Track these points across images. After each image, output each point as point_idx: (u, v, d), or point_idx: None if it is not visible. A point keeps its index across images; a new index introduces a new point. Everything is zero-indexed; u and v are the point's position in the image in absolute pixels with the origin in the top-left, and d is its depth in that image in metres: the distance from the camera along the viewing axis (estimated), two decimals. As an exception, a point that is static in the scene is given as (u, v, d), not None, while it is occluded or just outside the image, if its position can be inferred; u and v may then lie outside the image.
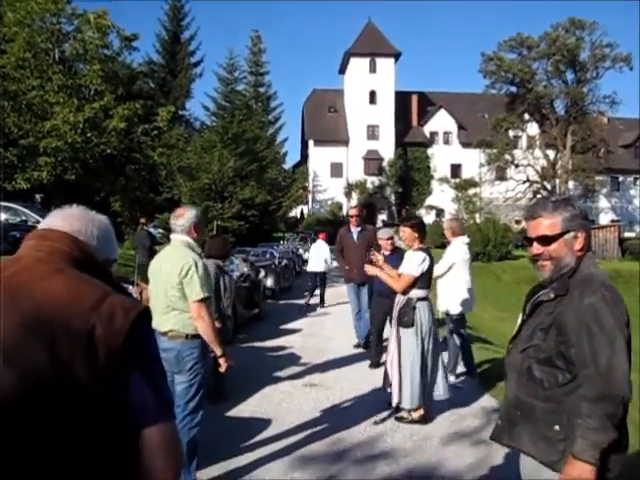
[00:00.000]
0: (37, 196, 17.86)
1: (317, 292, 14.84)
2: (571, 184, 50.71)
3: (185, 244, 3.93)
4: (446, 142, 56.80)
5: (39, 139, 15.14)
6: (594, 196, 52.93)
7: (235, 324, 9.08)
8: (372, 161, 54.35)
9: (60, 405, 1.19)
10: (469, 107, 55.94)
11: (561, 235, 2.21)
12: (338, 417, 5.68)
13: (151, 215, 14.67)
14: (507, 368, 2.38)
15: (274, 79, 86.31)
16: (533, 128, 52.11)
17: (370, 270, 5.68)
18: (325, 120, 56.67)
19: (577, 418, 2.03)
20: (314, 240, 24.84)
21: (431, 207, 54.20)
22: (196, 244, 3.99)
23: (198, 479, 4.00)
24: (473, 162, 54.04)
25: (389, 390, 5.56)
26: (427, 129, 56.72)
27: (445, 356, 7.41)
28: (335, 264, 11.62)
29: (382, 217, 51.38)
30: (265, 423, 5.46)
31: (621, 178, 57.80)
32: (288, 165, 54.22)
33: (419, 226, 5.53)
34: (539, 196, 40.09)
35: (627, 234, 43.28)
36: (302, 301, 15.07)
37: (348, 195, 53.51)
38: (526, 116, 51.74)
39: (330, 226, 31.26)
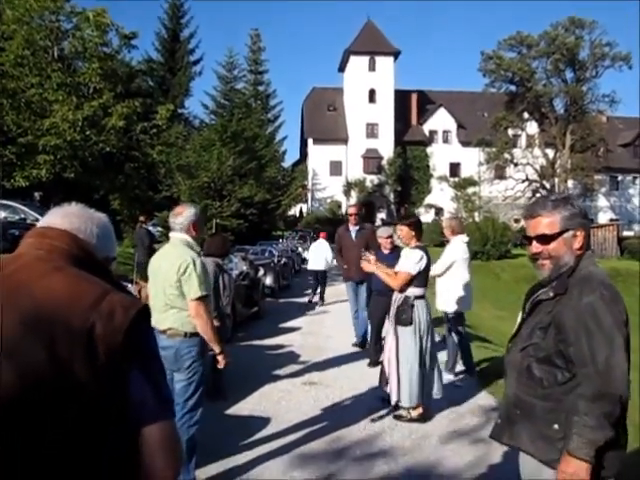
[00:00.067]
0: (36, 194, 17.85)
1: (318, 290, 14.93)
2: (570, 183, 50.69)
3: (184, 242, 3.93)
4: (445, 141, 56.79)
5: (38, 137, 15.13)
6: (593, 195, 52.95)
7: (234, 322, 9.09)
8: (371, 160, 54.32)
9: (60, 403, 1.18)
10: (468, 106, 55.91)
11: (560, 234, 2.22)
12: (337, 415, 5.69)
13: (150, 213, 14.61)
14: (507, 367, 2.38)
15: (273, 77, 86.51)
16: (532, 127, 52.09)
17: (366, 267, 5.68)
18: (324, 118, 56.63)
19: (574, 416, 2.04)
20: (314, 239, 24.91)
21: (430, 206, 54.18)
22: (195, 242, 3.99)
23: (197, 477, 4.00)
24: (472, 161, 54.03)
25: (386, 389, 5.58)
26: (426, 128, 56.69)
27: (444, 355, 7.45)
28: (335, 263, 11.73)
29: (381, 216, 51.37)
30: (264, 421, 5.46)
31: (620, 177, 57.82)
32: (287, 163, 54.35)
33: (416, 224, 5.56)
34: (538, 195, 40.14)
35: (626, 233, 43.23)
36: (301, 299, 15.11)
37: (347, 193, 53.49)
38: (525, 115, 51.72)
39: (329, 224, 31.29)
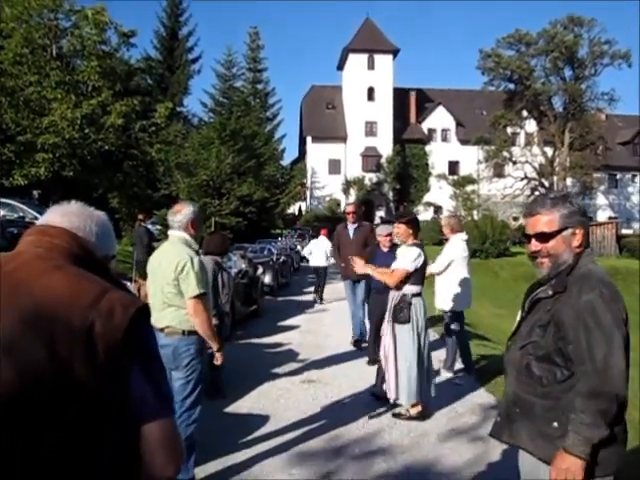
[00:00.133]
0: (35, 192, 17.84)
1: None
2: (569, 181, 50.69)
3: (182, 240, 3.93)
4: (444, 139, 56.74)
5: (37, 135, 15.13)
6: (592, 193, 52.92)
7: (233, 321, 9.09)
8: (370, 158, 54.28)
9: (59, 402, 1.18)
10: (467, 104, 55.89)
11: (559, 232, 2.21)
12: (336, 413, 5.69)
13: (149, 211, 14.64)
14: (506, 365, 2.39)
15: (272, 75, 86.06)
16: (531, 125, 52.08)
17: (359, 270, 5.72)
18: (323, 117, 56.58)
19: (571, 413, 2.04)
20: (312, 237, 24.92)
21: (429, 204, 54.19)
22: (193, 240, 3.99)
23: (196, 476, 4.00)
24: (471, 159, 54.03)
25: (384, 387, 5.59)
26: (425, 126, 56.65)
27: (443, 353, 7.46)
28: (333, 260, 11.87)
29: (380, 214, 51.35)
30: (263, 419, 5.46)
31: (619, 175, 57.82)
32: (286, 162, 54.23)
33: (414, 222, 5.60)
34: (537, 193, 40.08)
35: (625, 231, 43.30)
36: (300, 298, 15.13)
37: (346, 192, 53.46)
38: (524, 113, 51.70)
39: (328, 222, 31.24)
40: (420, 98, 57.61)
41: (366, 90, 54.89)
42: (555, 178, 50.12)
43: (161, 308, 3.86)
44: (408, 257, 5.40)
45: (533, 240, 2.27)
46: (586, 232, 2.26)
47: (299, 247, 28.88)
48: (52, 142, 14.97)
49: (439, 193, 53.96)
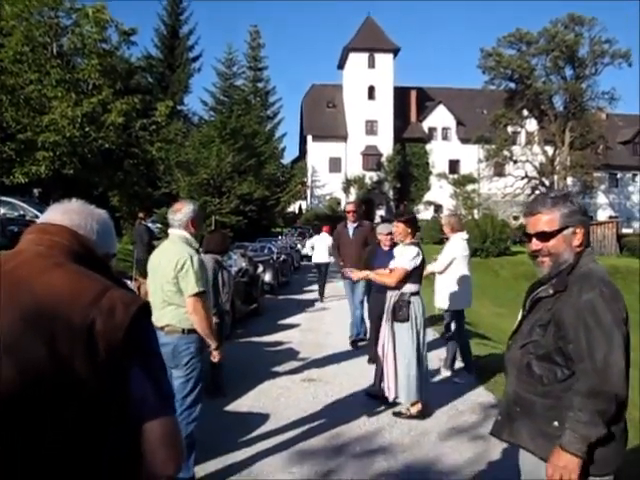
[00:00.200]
0: (35, 191, 17.83)
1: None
2: (569, 180, 50.67)
3: (182, 239, 3.93)
4: (445, 138, 56.73)
5: (37, 133, 15.12)
6: (592, 192, 52.92)
7: (233, 319, 9.09)
8: (370, 156, 54.27)
9: (60, 400, 1.18)
10: (468, 103, 55.85)
11: (560, 231, 2.21)
12: (336, 412, 5.69)
13: (149, 210, 14.64)
14: (507, 364, 2.39)
15: (273, 74, 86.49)
16: (532, 124, 52.04)
17: (356, 276, 5.75)
18: (324, 115, 56.56)
19: (569, 411, 2.04)
20: (312, 235, 24.92)
21: (429, 203, 54.19)
22: (193, 239, 3.99)
23: (196, 474, 4.00)
24: (471, 158, 54.01)
25: (382, 386, 5.59)
26: (426, 125, 56.64)
27: (443, 352, 7.46)
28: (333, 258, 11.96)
29: (380, 213, 51.34)
30: (263, 418, 5.46)
31: (619, 174, 57.78)
32: (287, 160, 54.30)
33: (412, 221, 5.62)
34: (537, 192, 40.06)
35: (625, 230, 43.29)
36: (300, 296, 15.15)
37: (346, 190, 53.44)
38: (525, 112, 51.67)
39: (328, 221, 31.21)
40: (421, 97, 57.58)
41: (367, 89, 54.87)
42: (556, 177, 50.11)
43: (161, 306, 3.87)
44: (406, 256, 5.41)
45: (534, 239, 2.27)
46: (587, 231, 2.26)
47: (299, 246, 28.89)
48: (52, 140, 14.96)
49: (439, 192, 53.95)
